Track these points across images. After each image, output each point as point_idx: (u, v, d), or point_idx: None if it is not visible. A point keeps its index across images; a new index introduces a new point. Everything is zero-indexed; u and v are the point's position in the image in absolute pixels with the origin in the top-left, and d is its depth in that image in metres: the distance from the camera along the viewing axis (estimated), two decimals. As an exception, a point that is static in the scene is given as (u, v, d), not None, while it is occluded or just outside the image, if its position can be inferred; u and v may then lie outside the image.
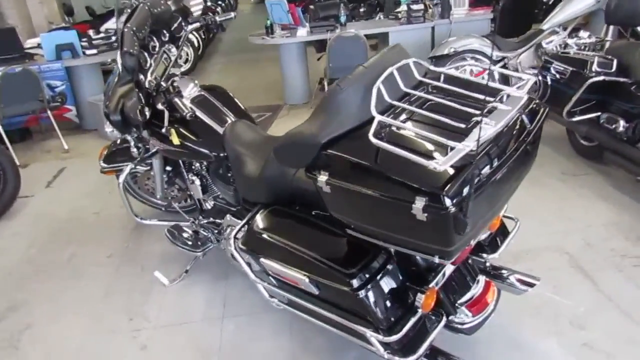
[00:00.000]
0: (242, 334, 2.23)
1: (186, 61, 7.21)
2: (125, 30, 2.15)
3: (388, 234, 1.46)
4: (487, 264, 2.02)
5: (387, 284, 1.59)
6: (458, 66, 4.16)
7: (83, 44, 5.05)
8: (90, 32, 5.45)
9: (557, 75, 3.29)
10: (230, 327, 2.29)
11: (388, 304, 1.58)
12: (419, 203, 1.28)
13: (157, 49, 2.48)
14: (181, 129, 2.29)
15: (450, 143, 1.26)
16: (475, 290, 1.77)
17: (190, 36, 7.46)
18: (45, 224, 3.37)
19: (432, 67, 1.64)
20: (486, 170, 1.34)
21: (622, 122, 2.89)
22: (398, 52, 1.67)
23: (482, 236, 1.89)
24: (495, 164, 1.37)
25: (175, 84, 2.41)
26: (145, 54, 2.40)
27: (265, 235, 1.79)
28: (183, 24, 2.59)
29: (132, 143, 2.61)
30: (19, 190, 3.56)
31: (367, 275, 1.56)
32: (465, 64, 4.10)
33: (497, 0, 5.22)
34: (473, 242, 1.68)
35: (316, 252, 1.65)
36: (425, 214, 1.28)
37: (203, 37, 8.19)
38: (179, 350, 2.19)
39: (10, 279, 2.81)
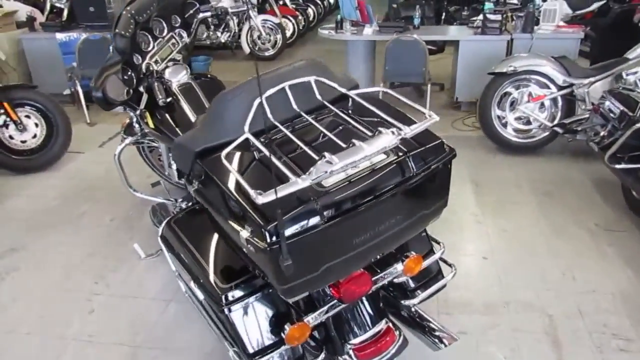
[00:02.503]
0: (179, 319, 2.28)
1: (274, 45, 7.37)
2: (124, 12, 2.25)
3: (243, 257, 1.39)
4: (413, 310, 1.84)
5: (260, 308, 1.52)
6: (519, 85, 3.79)
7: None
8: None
9: (608, 114, 2.86)
10: (172, 310, 2.35)
11: (256, 328, 1.51)
12: (244, 233, 1.20)
13: (164, 33, 2.56)
14: (157, 113, 2.35)
15: (290, 176, 1.15)
16: (370, 334, 1.62)
17: (284, 24, 7.63)
18: (78, 181, 3.69)
19: (340, 88, 1.50)
20: (336, 211, 1.21)
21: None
22: (312, 67, 1.55)
23: (400, 278, 1.72)
24: (350, 206, 1.23)
25: (165, 70, 2.47)
26: (149, 36, 2.49)
27: (173, 232, 1.79)
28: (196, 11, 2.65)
29: (134, 119, 2.75)
30: (68, 145, 3.93)
31: (241, 294, 1.50)
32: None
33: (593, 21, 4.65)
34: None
35: (206, 259, 1.62)
36: (249, 246, 1.20)
37: (301, 27, 8.32)
38: (117, 319, 2.29)
39: (23, 224, 3.13)
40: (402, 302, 1.75)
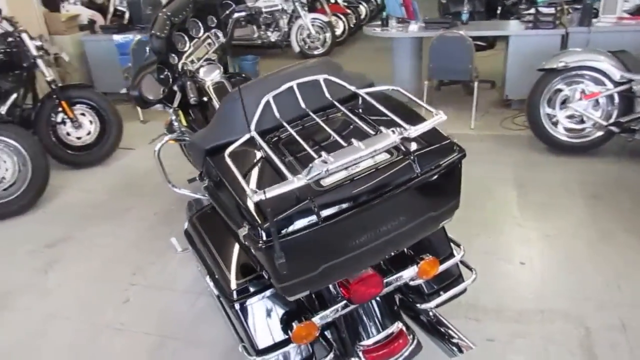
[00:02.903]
0: (206, 313, 2.34)
1: (323, 44, 7.39)
2: (160, 14, 2.33)
3: (248, 255, 1.40)
4: (431, 314, 1.79)
5: (270, 305, 1.52)
6: (571, 82, 3.59)
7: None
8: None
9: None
10: (200, 304, 2.41)
11: (265, 325, 1.52)
12: (243, 230, 1.21)
13: (200, 33, 2.63)
14: (190, 111, 2.42)
15: (287, 175, 1.15)
16: (381, 337, 1.59)
17: (334, 22, 7.63)
18: (127, 176, 3.86)
19: (349, 87, 1.47)
20: (333, 211, 1.20)
21: None
22: (323, 65, 1.53)
23: (416, 281, 1.67)
24: (348, 206, 1.21)
25: (200, 69, 2.53)
26: (185, 37, 2.57)
27: (194, 228, 1.83)
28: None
29: (173, 117, 2.84)
30: (119, 142, 4.13)
31: (252, 291, 1.52)
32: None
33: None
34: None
35: (221, 255, 1.65)
36: (247, 243, 1.21)
37: (352, 25, 8.30)
38: (149, 310, 2.38)
39: (75, 216, 3.31)
40: (419, 305, 1.71)
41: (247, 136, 1.34)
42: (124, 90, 5.42)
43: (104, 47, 5.37)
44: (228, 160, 1.27)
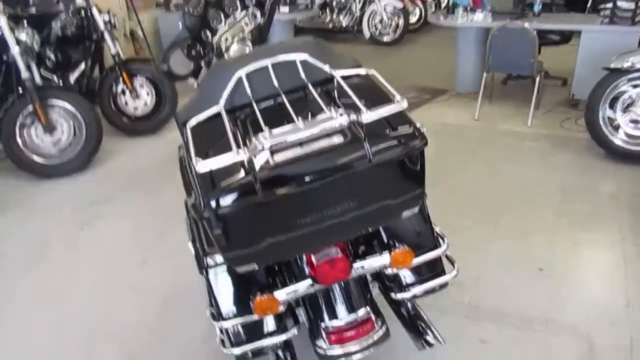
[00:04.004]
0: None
1: (395, 30, 7.26)
2: None
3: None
4: (410, 306, 1.75)
5: (238, 276, 1.56)
6: (638, 84, 3.28)
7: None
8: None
9: None
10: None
11: (230, 294, 1.57)
12: (190, 200, 1.26)
13: (237, 12, 2.70)
14: None
15: (233, 148, 1.18)
16: (346, 321, 1.58)
17: (410, 9, 7.46)
18: (174, 147, 4.05)
19: (325, 68, 1.44)
20: (276, 187, 1.21)
21: None
22: (308, 45, 1.52)
23: (392, 270, 1.63)
24: (291, 184, 1.21)
25: (230, 48, 2.60)
26: (222, 15, 2.65)
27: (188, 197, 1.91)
28: None
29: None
30: (173, 114, 4.34)
31: (221, 260, 1.57)
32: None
33: None
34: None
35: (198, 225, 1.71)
36: (192, 212, 1.25)
37: (430, 12, 8.07)
38: (162, 272, 2.52)
39: (120, 180, 3.56)
40: (393, 295, 1.67)
41: (214, 110, 1.38)
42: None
43: (176, 24, 5.63)
44: (188, 131, 1.32)
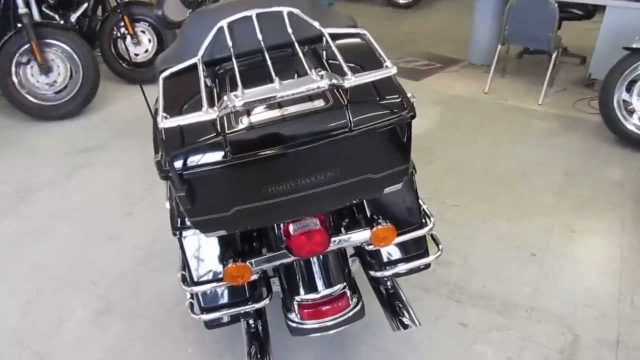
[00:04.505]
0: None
1: (412, -6, 6.97)
2: None
3: None
4: (389, 285, 1.69)
5: (211, 242, 1.50)
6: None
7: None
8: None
9: None
10: (194, 230, 2.46)
11: (204, 259, 1.51)
12: (156, 157, 1.17)
13: None
14: None
15: (204, 105, 1.08)
16: (320, 295, 1.52)
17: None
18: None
19: (316, 25, 1.32)
20: (245, 151, 1.12)
21: None
22: None
23: (372, 247, 1.56)
24: (262, 149, 1.12)
25: None
26: None
27: None
28: None
29: None
30: (175, 64, 4.22)
31: None
32: None
33: None
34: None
35: None
36: (157, 170, 1.17)
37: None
38: (145, 226, 2.48)
39: (113, 127, 3.48)
40: (372, 272, 1.61)
41: (191, 61, 1.28)
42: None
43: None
44: (160, 83, 1.23)
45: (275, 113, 1.15)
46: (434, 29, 6.05)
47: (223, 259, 1.49)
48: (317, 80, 1.05)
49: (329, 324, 1.51)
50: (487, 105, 3.90)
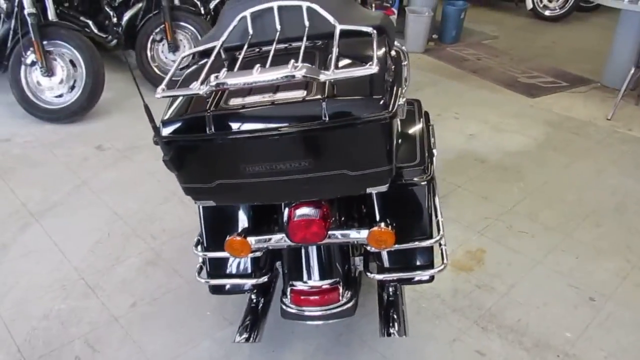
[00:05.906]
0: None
1: (563, 6, 6.41)
2: None
3: None
4: (391, 290, 1.66)
5: (224, 211, 1.61)
6: None
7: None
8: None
9: None
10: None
11: (216, 227, 1.62)
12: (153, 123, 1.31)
13: None
14: None
15: (197, 82, 1.19)
16: (312, 284, 1.55)
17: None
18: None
19: (331, 19, 1.34)
20: (226, 129, 1.21)
21: None
22: None
23: (373, 248, 1.54)
24: (240, 129, 1.20)
25: None
26: None
27: None
28: None
29: None
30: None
31: None
32: None
33: None
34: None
35: None
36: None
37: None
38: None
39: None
40: (368, 273, 1.59)
41: (209, 45, 1.39)
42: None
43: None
44: (177, 60, 1.37)
45: (261, 99, 1.22)
46: (576, 45, 5.54)
47: (231, 232, 1.60)
48: (292, 71, 1.09)
49: (315, 314, 1.54)
50: (604, 132, 3.50)
